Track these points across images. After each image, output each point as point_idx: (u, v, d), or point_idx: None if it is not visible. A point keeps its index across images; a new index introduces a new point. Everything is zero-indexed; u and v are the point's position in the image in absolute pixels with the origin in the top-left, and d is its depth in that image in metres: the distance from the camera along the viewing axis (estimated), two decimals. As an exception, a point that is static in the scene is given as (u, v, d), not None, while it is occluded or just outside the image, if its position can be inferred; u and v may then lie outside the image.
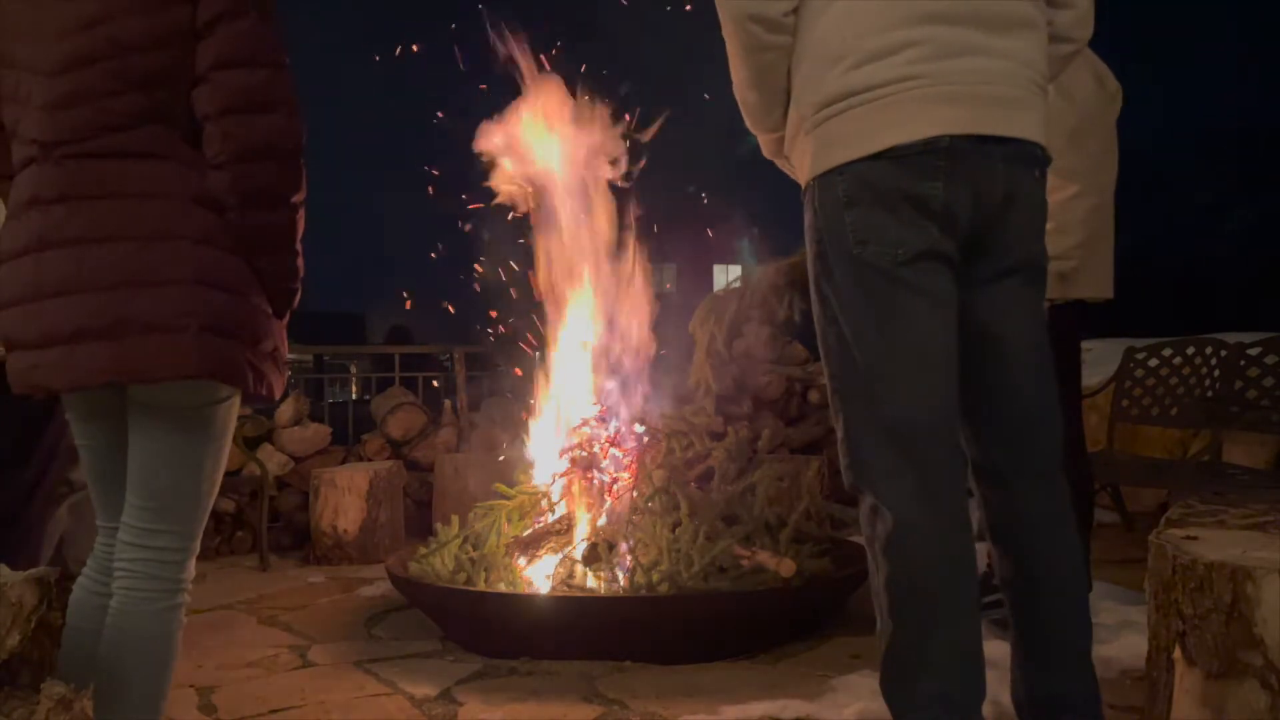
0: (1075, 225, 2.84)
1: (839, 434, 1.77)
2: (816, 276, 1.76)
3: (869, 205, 1.65)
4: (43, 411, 2.08)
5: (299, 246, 1.72)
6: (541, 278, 3.83)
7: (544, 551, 3.29)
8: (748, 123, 1.92)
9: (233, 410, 1.72)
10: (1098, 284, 2.96)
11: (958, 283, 1.72)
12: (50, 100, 1.60)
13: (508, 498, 3.51)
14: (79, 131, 1.59)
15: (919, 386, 1.68)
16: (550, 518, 3.40)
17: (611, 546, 3.16)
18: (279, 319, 1.74)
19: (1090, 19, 1.83)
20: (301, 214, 1.70)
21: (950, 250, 1.68)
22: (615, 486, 3.40)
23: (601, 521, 3.30)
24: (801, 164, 1.78)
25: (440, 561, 3.27)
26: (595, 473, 3.42)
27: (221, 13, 1.58)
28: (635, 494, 3.31)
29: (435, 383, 5.95)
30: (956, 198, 1.64)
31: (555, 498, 3.44)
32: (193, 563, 1.71)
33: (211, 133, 1.59)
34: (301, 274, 1.75)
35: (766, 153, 1.96)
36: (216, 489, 1.74)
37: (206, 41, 1.58)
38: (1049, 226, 1.87)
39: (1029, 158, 1.71)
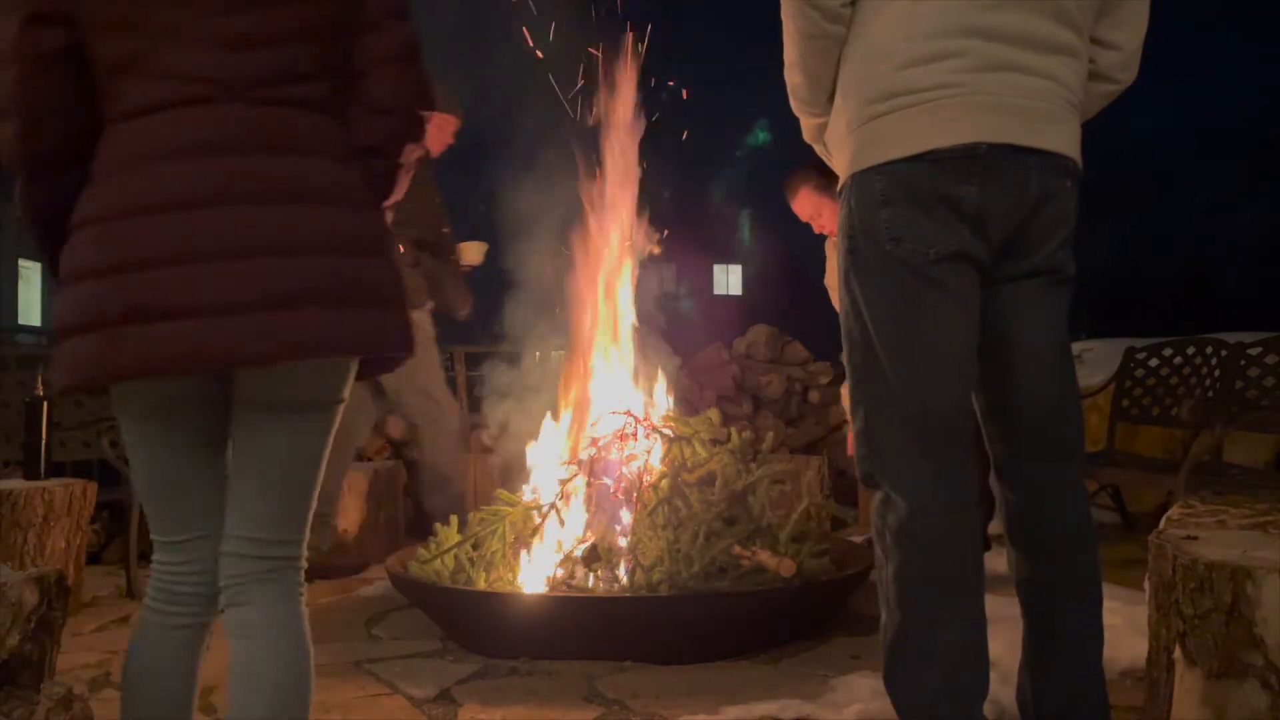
0: None
1: (858, 426, 1.81)
2: (846, 271, 1.80)
3: (905, 204, 1.69)
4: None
5: None
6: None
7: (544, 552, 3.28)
8: (793, 105, 1.94)
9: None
10: None
11: (983, 283, 1.76)
12: (223, 37, 1.41)
13: (510, 504, 3.49)
14: (260, 76, 1.43)
15: (938, 380, 1.72)
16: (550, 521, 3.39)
17: (611, 547, 3.16)
18: None
19: (1135, 63, 1.84)
20: None
21: (980, 253, 1.72)
22: (615, 490, 3.39)
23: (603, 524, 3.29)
24: (841, 160, 1.82)
25: (441, 561, 3.26)
26: (601, 476, 3.41)
27: None
28: (637, 497, 3.31)
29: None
30: (990, 202, 1.68)
31: (559, 502, 3.42)
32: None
33: (384, 76, 1.51)
34: None
35: (807, 136, 2.00)
36: None
37: None
38: None
39: (1061, 169, 1.74)
